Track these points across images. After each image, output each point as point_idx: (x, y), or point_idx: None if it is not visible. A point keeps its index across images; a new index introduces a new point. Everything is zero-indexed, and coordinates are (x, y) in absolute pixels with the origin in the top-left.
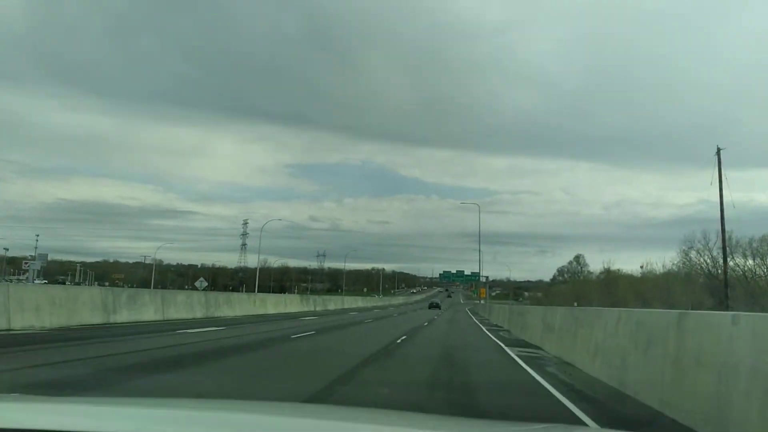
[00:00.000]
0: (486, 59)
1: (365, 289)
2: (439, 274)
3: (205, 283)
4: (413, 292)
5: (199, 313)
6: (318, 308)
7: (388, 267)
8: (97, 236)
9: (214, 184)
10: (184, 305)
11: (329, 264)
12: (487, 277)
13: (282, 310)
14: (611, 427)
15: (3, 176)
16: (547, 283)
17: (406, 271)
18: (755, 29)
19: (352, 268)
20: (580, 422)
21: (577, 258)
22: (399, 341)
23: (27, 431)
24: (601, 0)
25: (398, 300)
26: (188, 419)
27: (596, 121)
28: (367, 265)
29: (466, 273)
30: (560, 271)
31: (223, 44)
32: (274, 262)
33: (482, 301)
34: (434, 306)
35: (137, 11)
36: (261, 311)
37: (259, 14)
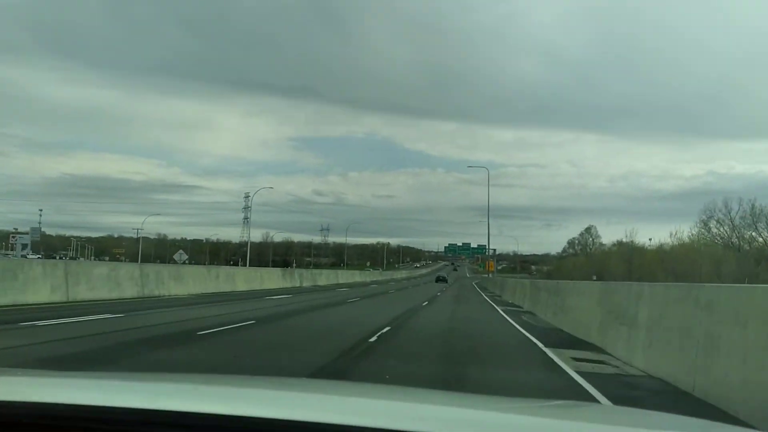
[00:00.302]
0: (488, 29)
1: (368, 264)
2: (445, 247)
3: (185, 256)
4: (417, 266)
5: (129, 292)
6: (305, 284)
7: (394, 241)
8: (101, 211)
9: (218, 158)
10: (105, 281)
11: (334, 239)
12: (494, 250)
13: (256, 286)
14: None
15: (5, 150)
16: (554, 256)
17: (411, 245)
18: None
19: (356, 243)
20: None
21: (588, 229)
22: (374, 338)
23: (35, 404)
24: None
25: (401, 274)
26: (197, 393)
27: (602, 90)
28: (372, 240)
29: (472, 246)
30: (570, 243)
31: (224, 15)
32: (274, 235)
33: (490, 275)
34: (441, 279)
35: None
36: (227, 288)
37: None
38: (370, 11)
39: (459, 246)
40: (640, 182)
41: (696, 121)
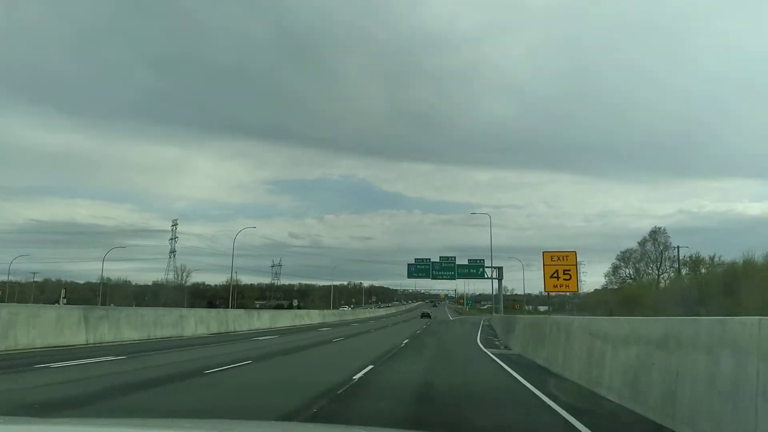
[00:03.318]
0: (463, 67)
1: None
2: (408, 264)
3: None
4: (381, 306)
5: None
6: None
7: (376, 283)
8: (69, 258)
9: (192, 202)
10: None
11: (310, 281)
12: (498, 269)
13: None
14: None
15: None
16: (536, 296)
17: (387, 286)
18: (724, 40)
19: (324, 285)
20: None
21: (655, 235)
22: None
23: None
24: (573, 8)
25: (330, 318)
26: None
27: (575, 129)
28: (344, 281)
29: (457, 262)
30: (627, 258)
31: (195, 56)
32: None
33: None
34: (426, 316)
35: (102, 22)
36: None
37: (230, 26)
38: (342, 51)
39: (426, 262)
40: (616, 221)
41: (667, 160)
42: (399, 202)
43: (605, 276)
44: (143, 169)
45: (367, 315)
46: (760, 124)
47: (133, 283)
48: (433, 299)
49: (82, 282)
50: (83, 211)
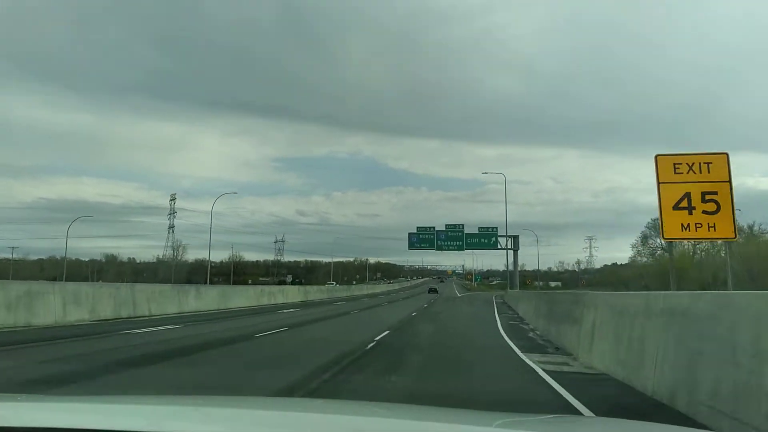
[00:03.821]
0: (466, 44)
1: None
2: (409, 234)
3: None
4: (384, 283)
5: None
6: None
7: (383, 259)
8: (77, 236)
9: (198, 180)
10: None
11: (317, 258)
12: (514, 238)
13: None
14: None
15: None
16: (545, 272)
17: (394, 263)
18: (733, 9)
19: (335, 261)
20: None
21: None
22: None
23: (39, 429)
24: None
25: (314, 295)
26: (200, 415)
27: (583, 104)
28: (349, 258)
29: (466, 230)
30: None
31: (198, 34)
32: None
33: (508, 291)
34: (433, 291)
35: (107, 1)
36: None
37: (233, 3)
38: (349, 27)
39: (430, 230)
40: (624, 197)
41: (676, 134)
42: (406, 179)
43: (632, 247)
44: (149, 147)
45: (364, 292)
46: None
47: (137, 261)
48: (441, 275)
49: (86, 259)
50: (90, 190)
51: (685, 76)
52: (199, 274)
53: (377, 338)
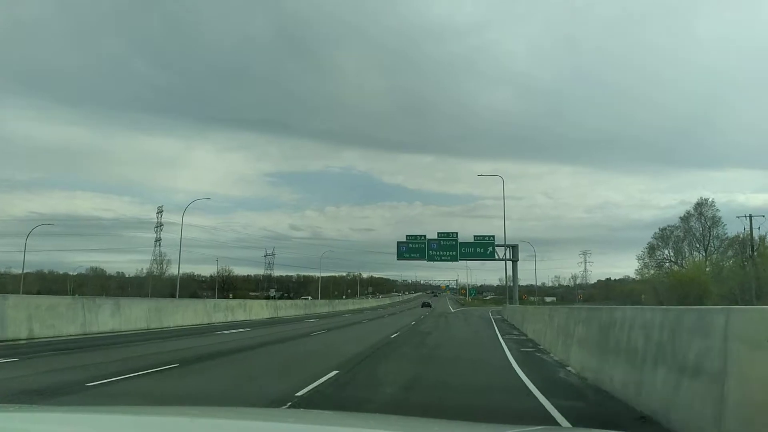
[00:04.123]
0: (461, 60)
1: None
2: (397, 243)
3: None
4: (374, 297)
5: None
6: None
7: (376, 274)
8: (71, 249)
9: (192, 195)
10: None
11: (309, 272)
12: (513, 248)
13: None
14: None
15: None
16: (538, 287)
17: (387, 277)
18: (718, 34)
19: (325, 276)
20: None
21: (701, 208)
22: None
23: None
24: (570, 3)
25: (291, 310)
26: (196, 427)
27: (575, 122)
28: (342, 272)
29: (459, 239)
30: (666, 237)
31: (193, 49)
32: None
33: (507, 306)
34: (426, 305)
35: (102, 14)
36: None
37: (229, 19)
38: (344, 44)
39: (429, 240)
40: (617, 213)
41: (668, 152)
42: (400, 194)
43: (638, 258)
44: (144, 161)
45: (349, 307)
46: (760, 117)
47: (126, 275)
48: (434, 290)
49: (73, 273)
50: (84, 204)
51: (676, 98)
52: (186, 288)
53: (302, 392)
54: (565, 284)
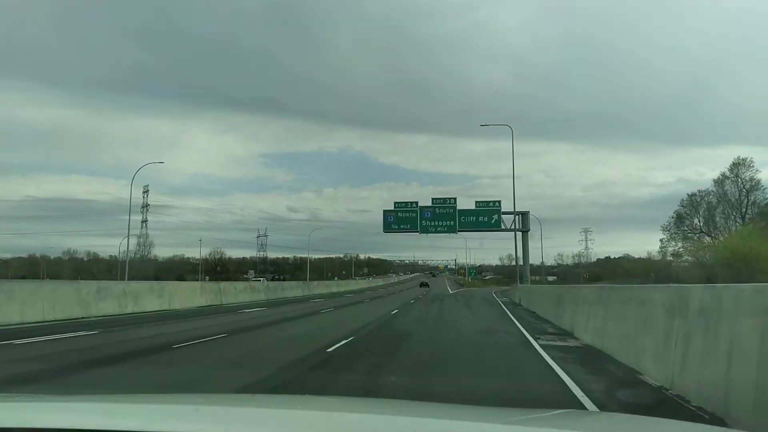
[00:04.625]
0: (456, 37)
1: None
2: (384, 212)
3: None
4: (368, 278)
5: None
6: None
7: (374, 255)
8: (65, 233)
9: (188, 177)
10: None
11: (306, 255)
12: (522, 215)
13: None
14: None
15: None
16: (537, 266)
17: (384, 258)
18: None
19: (322, 257)
20: None
21: (737, 169)
22: None
23: (38, 430)
24: None
25: (243, 296)
26: (199, 415)
27: (573, 98)
28: (341, 254)
29: (459, 206)
30: (695, 204)
31: (184, 29)
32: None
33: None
34: (424, 285)
35: None
36: None
37: None
38: (338, 21)
39: (422, 207)
40: (615, 190)
41: (667, 128)
42: (397, 174)
43: (663, 229)
44: (138, 144)
45: (332, 290)
46: (764, 88)
47: (119, 258)
48: (432, 270)
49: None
50: (79, 187)
51: (676, 68)
52: (173, 271)
53: None
54: (564, 263)
